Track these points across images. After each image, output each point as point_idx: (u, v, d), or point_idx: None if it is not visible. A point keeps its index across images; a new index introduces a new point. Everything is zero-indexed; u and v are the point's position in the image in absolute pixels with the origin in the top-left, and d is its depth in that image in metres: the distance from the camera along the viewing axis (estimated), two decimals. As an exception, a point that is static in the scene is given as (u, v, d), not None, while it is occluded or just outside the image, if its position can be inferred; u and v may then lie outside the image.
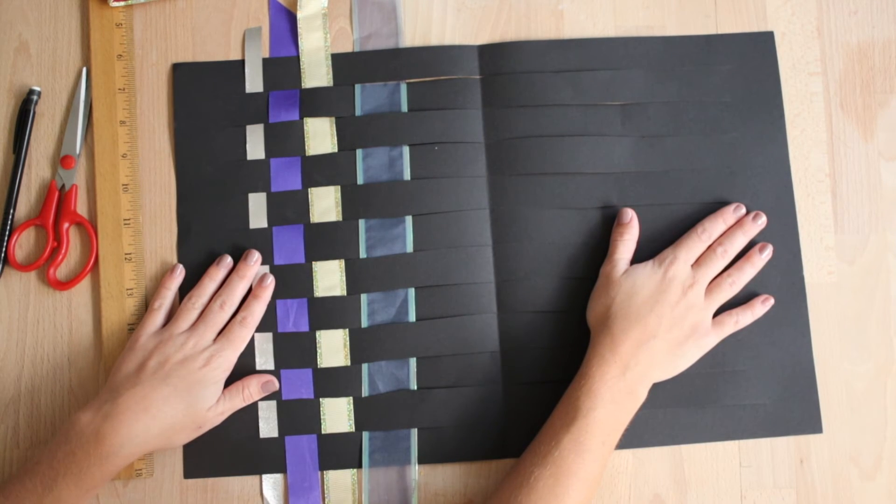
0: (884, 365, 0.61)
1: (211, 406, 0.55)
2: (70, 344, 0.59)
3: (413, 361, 0.59)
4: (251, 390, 0.57)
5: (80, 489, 0.50)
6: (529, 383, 0.59)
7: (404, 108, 0.61)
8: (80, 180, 0.61)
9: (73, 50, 0.62)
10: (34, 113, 0.61)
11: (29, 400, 0.59)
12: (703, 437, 0.59)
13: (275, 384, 0.58)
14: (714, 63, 0.62)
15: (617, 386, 0.53)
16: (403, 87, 0.61)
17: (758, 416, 0.59)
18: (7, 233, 0.60)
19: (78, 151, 0.61)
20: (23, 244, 0.61)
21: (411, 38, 0.63)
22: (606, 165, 0.61)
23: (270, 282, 0.58)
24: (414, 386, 0.59)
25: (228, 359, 0.56)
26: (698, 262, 0.58)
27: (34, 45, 0.62)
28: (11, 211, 0.60)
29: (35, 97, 0.61)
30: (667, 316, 0.55)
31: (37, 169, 0.61)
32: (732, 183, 0.61)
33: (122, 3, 0.62)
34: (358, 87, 0.61)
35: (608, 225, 0.60)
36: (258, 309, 0.58)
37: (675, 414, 0.59)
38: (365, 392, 0.58)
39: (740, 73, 0.62)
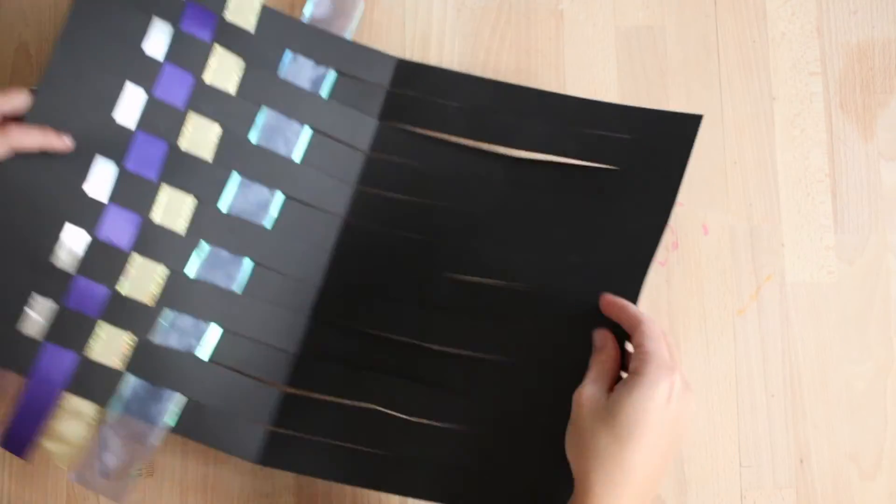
0: (884, 365, 0.61)
1: None
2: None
3: (219, 331, 0.56)
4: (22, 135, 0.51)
5: None
6: (308, 396, 0.56)
7: (325, 94, 0.59)
8: (80, 180, 0.61)
9: (73, 50, 0.62)
10: (34, 113, 0.61)
11: (29, 400, 0.58)
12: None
13: (66, 142, 0.52)
14: (621, 131, 0.57)
15: None
16: (332, 75, 0.59)
17: None
18: (7, 233, 0.60)
19: (78, 152, 0.61)
20: (23, 244, 0.61)
21: (411, 38, 0.63)
22: (472, 205, 0.58)
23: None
24: (206, 357, 0.55)
25: None
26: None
27: (34, 46, 0.62)
28: (11, 211, 0.60)
29: (35, 97, 0.61)
30: (671, 429, 0.46)
31: (37, 169, 0.61)
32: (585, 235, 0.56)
33: (121, 4, 0.62)
34: (289, 52, 0.58)
35: (454, 262, 0.57)
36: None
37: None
38: (155, 338, 0.55)
39: (646, 146, 0.57)
